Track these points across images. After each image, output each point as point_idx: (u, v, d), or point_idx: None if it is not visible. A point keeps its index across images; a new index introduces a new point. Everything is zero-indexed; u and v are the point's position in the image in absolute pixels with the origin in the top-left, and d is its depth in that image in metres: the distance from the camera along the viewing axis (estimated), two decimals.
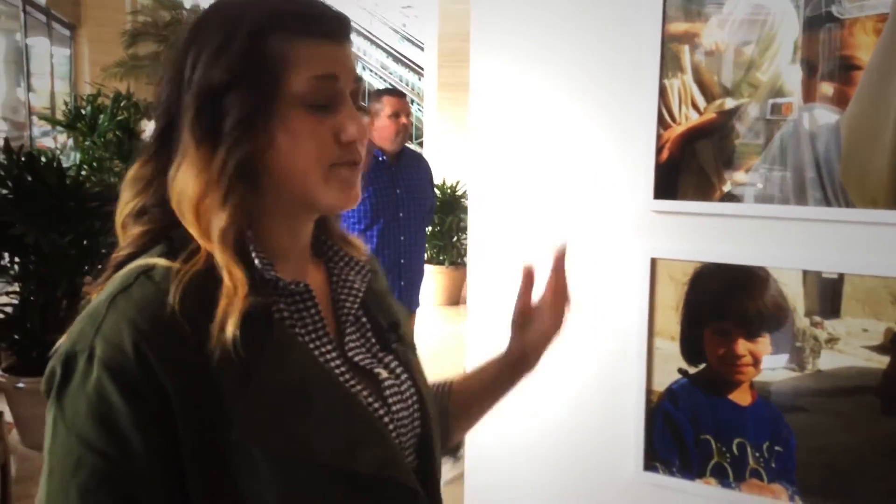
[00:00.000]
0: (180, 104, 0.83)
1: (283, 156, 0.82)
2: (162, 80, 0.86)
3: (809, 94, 1.40)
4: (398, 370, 0.95)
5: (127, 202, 0.86)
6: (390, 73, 12.19)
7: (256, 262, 0.83)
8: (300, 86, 0.81)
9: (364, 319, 0.97)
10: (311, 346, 0.88)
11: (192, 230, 0.81)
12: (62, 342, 0.79)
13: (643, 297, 1.57)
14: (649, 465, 1.60)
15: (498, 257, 1.73)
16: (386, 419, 0.89)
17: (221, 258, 0.80)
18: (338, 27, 0.85)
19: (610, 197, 1.60)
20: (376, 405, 0.89)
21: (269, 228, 0.87)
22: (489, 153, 1.72)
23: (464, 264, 7.05)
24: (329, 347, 0.89)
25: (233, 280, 0.79)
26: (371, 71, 11.93)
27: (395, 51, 12.40)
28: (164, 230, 0.85)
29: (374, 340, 0.96)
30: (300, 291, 0.88)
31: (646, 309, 1.57)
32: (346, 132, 0.84)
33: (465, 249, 2.07)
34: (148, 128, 6.01)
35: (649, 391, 1.58)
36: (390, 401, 0.91)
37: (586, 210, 1.62)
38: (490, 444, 1.76)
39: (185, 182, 0.81)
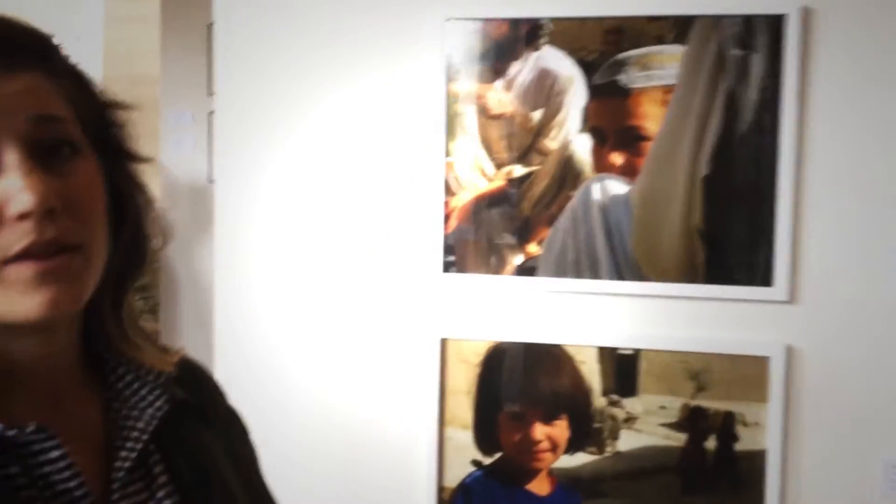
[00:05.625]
0: None
1: None
2: None
3: (600, 164, 1.35)
4: None
5: None
6: None
7: None
8: None
9: (158, 469, 0.67)
10: None
11: None
12: None
13: (433, 382, 1.41)
14: None
15: (254, 339, 1.49)
16: None
17: None
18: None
19: (396, 273, 1.43)
20: None
21: None
22: (248, 227, 1.49)
23: None
24: None
25: None
26: None
27: None
28: None
29: (173, 500, 0.67)
30: (29, 441, 0.57)
31: (436, 395, 1.41)
32: (12, 202, 0.52)
33: None
34: None
35: (441, 488, 1.42)
36: None
37: (371, 287, 1.44)
38: None
39: None
